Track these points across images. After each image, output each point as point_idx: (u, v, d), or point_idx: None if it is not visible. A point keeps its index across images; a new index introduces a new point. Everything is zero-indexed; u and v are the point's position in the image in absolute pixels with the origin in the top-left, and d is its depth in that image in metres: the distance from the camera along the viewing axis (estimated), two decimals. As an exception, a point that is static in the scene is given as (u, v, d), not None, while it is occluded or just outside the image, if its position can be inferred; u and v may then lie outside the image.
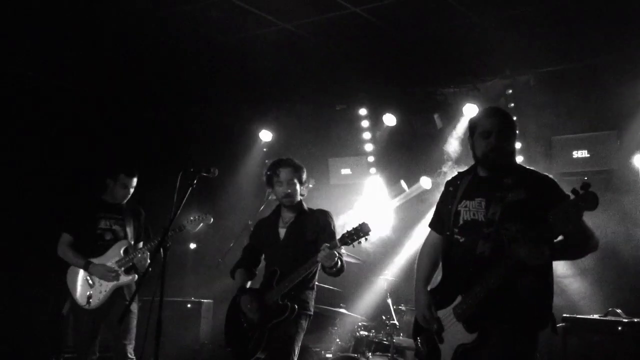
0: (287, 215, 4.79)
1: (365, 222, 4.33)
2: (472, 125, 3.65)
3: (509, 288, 3.33)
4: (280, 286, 4.51)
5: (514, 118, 3.72)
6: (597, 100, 6.68)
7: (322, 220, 4.72)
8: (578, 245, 3.43)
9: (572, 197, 3.02)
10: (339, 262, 4.44)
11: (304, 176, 4.79)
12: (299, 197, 4.76)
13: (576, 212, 3.02)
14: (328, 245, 4.30)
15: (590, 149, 6.76)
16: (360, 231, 4.29)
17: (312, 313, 4.70)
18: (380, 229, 7.98)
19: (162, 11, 6.55)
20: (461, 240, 3.56)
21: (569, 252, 3.48)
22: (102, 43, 6.94)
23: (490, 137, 3.51)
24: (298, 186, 4.72)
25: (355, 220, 4.42)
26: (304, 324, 4.63)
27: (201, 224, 5.69)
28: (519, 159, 6.73)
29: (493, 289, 3.32)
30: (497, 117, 3.58)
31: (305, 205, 4.83)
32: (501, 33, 6.53)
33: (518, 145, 6.81)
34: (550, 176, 3.55)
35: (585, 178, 3.10)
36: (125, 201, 5.73)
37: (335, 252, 4.33)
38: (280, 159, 4.81)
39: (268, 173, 4.77)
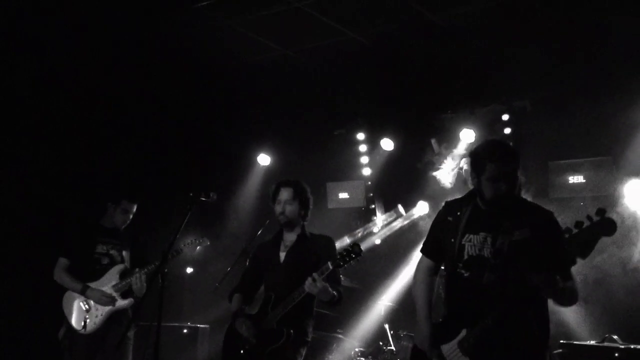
0: (289, 239, 4.74)
1: (357, 243, 4.33)
2: (478, 164, 3.54)
3: (515, 318, 3.30)
4: (276, 311, 4.46)
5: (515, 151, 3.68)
6: (593, 126, 6.72)
7: (323, 245, 4.67)
8: (567, 296, 3.40)
9: (587, 223, 3.01)
10: (330, 292, 4.34)
11: (307, 199, 4.74)
12: (295, 218, 4.69)
13: (592, 239, 3.01)
14: (315, 274, 4.24)
15: (586, 175, 6.80)
16: (352, 252, 4.26)
17: (310, 340, 4.63)
18: (377, 254, 7.99)
19: (162, 37, 6.62)
20: (465, 275, 3.49)
21: (560, 296, 3.39)
22: (102, 70, 6.99)
23: (499, 182, 3.45)
24: (296, 207, 4.66)
25: (347, 242, 4.41)
26: (302, 351, 4.55)
27: (198, 247, 5.68)
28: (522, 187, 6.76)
29: (501, 320, 3.29)
30: (504, 160, 3.48)
31: (307, 231, 4.78)
32: (498, 59, 6.61)
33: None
34: (552, 212, 3.53)
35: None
36: (123, 227, 5.73)
37: (318, 284, 4.23)
38: (284, 179, 4.78)
39: (272, 192, 4.76)
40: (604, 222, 2.98)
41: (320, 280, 4.23)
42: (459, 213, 3.64)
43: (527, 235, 3.37)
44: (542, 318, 3.42)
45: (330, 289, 4.32)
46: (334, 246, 4.71)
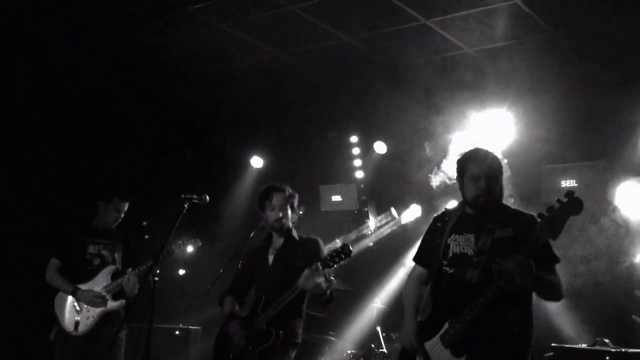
0: (278, 242, 4.78)
1: (347, 243, 4.35)
2: (461, 167, 3.74)
3: (495, 316, 3.38)
4: (266, 313, 4.48)
5: (500, 157, 3.80)
6: (586, 130, 6.75)
7: (310, 247, 4.71)
8: (548, 288, 3.48)
9: (557, 205, 3.12)
10: (324, 287, 4.38)
11: (296, 203, 4.80)
12: (290, 224, 4.76)
13: (561, 219, 3.11)
14: (308, 269, 4.29)
15: (578, 179, 6.83)
16: (342, 253, 4.28)
17: (299, 342, 4.65)
18: (370, 257, 7.99)
19: (156, 39, 6.61)
20: (450, 272, 3.61)
21: (541, 287, 3.47)
22: (96, 72, 6.99)
23: (479, 181, 3.61)
24: (289, 212, 4.73)
25: (337, 243, 4.43)
26: (292, 352, 4.58)
27: (190, 247, 5.68)
28: (508, 189, 6.78)
29: (480, 314, 3.36)
30: (484, 161, 3.67)
31: (295, 232, 4.82)
32: (491, 63, 6.63)
33: (506, 174, 6.86)
34: (534, 215, 3.59)
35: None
36: (114, 225, 5.72)
37: (314, 279, 4.28)
38: (274, 184, 4.81)
39: (261, 198, 4.77)
40: (572, 202, 3.10)
41: (313, 275, 4.26)
42: (447, 218, 3.81)
43: (509, 234, 3.50)
44: (524, 316, 3.49)
45: (322, 285, 4.35)
46: (322, 247, 4.74)
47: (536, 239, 3.20)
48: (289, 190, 4.77)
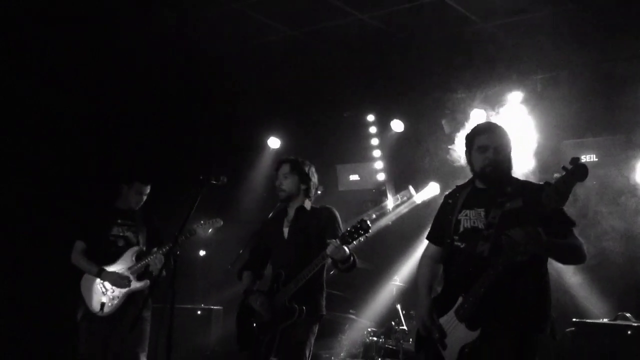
0: (291, 214, 4.78)
1: (365, 219, 4.31)
2: (469, 140, 3.77)
3: (508, 287, 3.38)
4: (287, 288, 4.47)
5: (510, 129, 3.82)
6: (606, 103, 6.66)
7: (325, 216, 4.69)
8: (565, 252, 3.49)
9: (562, 173, 3.09)
10: (352, 257, 4.37)
11: (306, 173, 4.76)
12: (294, 192, 4.72)
13: (567, 186, 3.09)
14: (335, 240, 4.26)
15: (599, 153, 6.76)
16: (360, 229, 4.25)
17: (324, 314, 4.64)
18: (389, 235, 8.00)
19: (172, 22, 6.61)
20: (462, 247, 3.63)
21: (555, 253, 3.49)
22: (111, 51, 7.01)
23: (487, 152, 3.64)
24: (294, 181, 4.71)
25: (355, 219, 4.41)
26: (315, 327, 4.58)
27: (211, 228, 5.71)
28: (530, 164, 6.75)
29: (492, 286, 3.36)
30: (493, 132, 3.70)
31: (308, 203, 4.78)
32: (509, 38, 6.56)
33: (530, 150, 6.83)
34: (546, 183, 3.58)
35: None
36: (138, 207, 5.77)
37: (344, 247, 4.26)
38: (284, 156, 4.87)
39: (274, 170, 4.85)
40: (576, 169, 3.06)
41: (340, 245, 4.23)
42: (458, 195, 3.83)
43: (519, 205, 3.49)
44: (538, 287, 3.49)
45: (348, 253, 4.32)
46: (336, 216, 4.72)
47: (543, 207, 3.19)
48: (295, 161, 4.77)
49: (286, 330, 4.45)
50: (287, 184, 4.72)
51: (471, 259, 3.51)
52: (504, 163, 3.64)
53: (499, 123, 3.86)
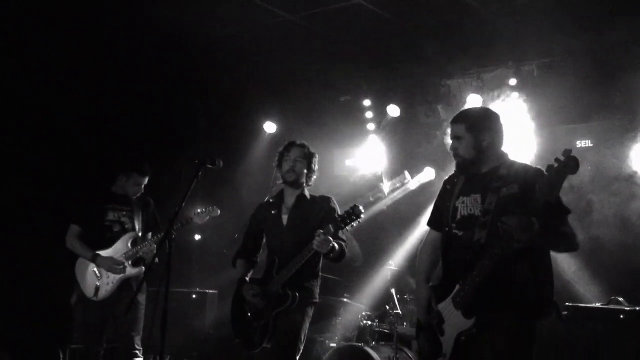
0: (289, 200, 4.76)
1: (357, 204, 4.32)
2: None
3: (505, 275, 3.39)
4: (280, 275, 4.50)
5: (499, 113, 3.83)
6: (602, 89, 6.66)
7: (326, 206, 4.70)
8: (558, 240, 3.50)
9: (555, 165, 3.10)
10: (336, 247, 4.39)
11: (314, 163, 4.79)
12: (301, 178, 4.73)
13: (559, 178, 3.10)
14: (322, 231, 4.28)
15: (594, 139, 6.77)
16: (353, 214, 4.27)
17: (317, 300, 4.68)
18: (384, 220, 8.02)
19: (167, 5, 6.57)
20: (459, 234, 3.64)
21: (549, 241, 3.49)
22: (109, 38, 6.98)
23: (453, 143, 3.74)
24: (304, 167, 4.72)
25: (347, 205, 4.41)
26: (310, 312, 4.61)
27: (208, 217, 5.72)
28: (525, 150, 6.76)
29: (488, 274, 3.38)
30: (455, 122, 3.74)
31: (307, 192, 4.81)
32: (505, 23, 6.54)
33: (525, 135, 6.83)
34: (540, 168, 3.59)
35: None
36: (135, 197, 5.75)
37: (330, 238, 4.29)
38: (295, 140, 4.83)
39: (281, 152, 4.79)
40: (568, 162, 3.07)
41: (327, 237, 4.26)
42: (455, 180, 3.83)
43: (514, 191, 3.50)
44: (534, 276, 3.47)
45: (336, 245, 4.37)
46: (336, 208, 4.73)
47: (536, 201, 3.20)
48: (308, 148, 4.77)
49: (279, 316, 4.47)
50: (300, 167, 4.70)
51: (468, 247, 3.52)
52: (459, 150, 3.68)
53: (473, 108, 3.94)
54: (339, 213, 4.54)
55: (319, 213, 4.65)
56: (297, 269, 4.44)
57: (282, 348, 4.48)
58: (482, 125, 3.69)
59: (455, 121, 3.74)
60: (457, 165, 3.75)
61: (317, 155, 4.83)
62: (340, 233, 4.43)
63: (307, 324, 4.59)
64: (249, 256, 4.89)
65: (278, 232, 4.73)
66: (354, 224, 4.32)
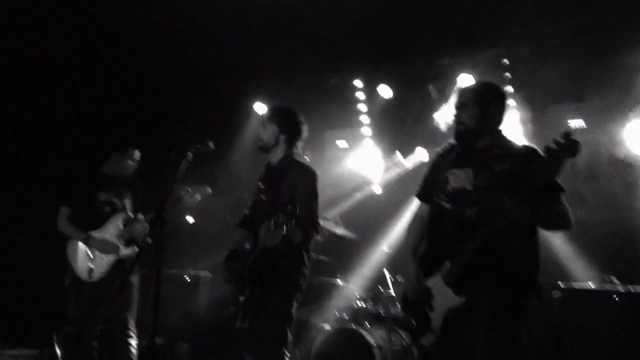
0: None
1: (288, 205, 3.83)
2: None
3: (495, 251, 3.39)
4: (250, 253, 4.28)
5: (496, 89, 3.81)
6: (595, 69, 6.63)
7: (294, 181, 4.24)
8: (551, 219, 3.50)
9: (553, 147, 3.07)
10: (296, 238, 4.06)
11: (287, 121, 4.40)
12: (271, 143, 4.39)
13: (558, 162, 3.08)
14: (268, 222, 3.86)
15: (587, 119, 6.75)
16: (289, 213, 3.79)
17: (300, 284, 4.30)
18: (377, 201, 8.01)
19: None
20: (450, 209, 3.61)
21: (541, 221, 3.49)
22: (97, 18, 6.89)
23: (455, 112, 3.72)
24: (273, 130, 4.39)
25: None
26: (293, 295, 4.26)
27: (199, 195, 5.66)
28: (516, 130, 6.74)
29: (479, 250, 3.38)
30: (464, 92, 3.73)
31: (279, 158, 4.39)
32: (496, 3, 6.49)
33: (516, 116, 6.81)
34: (535, 147, 3.57)
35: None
36: (127, 174, 5.71)
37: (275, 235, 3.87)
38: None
39: None
40: (568, 145, 3.04)
41: (274, 231, 3.83)
42: (451, 150, 3.82)
43: (507, 167, 3.48)
44: (524, 253, 3.48)
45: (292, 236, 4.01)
46: (308, 178, 4.27)
47: (533, 183, 3.18)
48: (276, 108, 4.54)
49: (260, 297, 4.15)
50: (265, 134, 4.41)
51: (459, 223, 3.51)
52: (464, 120, 3.65)
53: (484, 81, 3.90)
54: (309, 190, 4.22)
55: (289, 189, 4.22)
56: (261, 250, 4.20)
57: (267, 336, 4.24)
58: (491, 99, 3.68)
59: (463, 91, 3.72)
60: (457, 134, 3.70)
61: (295, 114, 4.43)
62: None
63: (291, 309, 4.25)
64: (247, 227, 4.64)
65: (257, 205, 4.53)
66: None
